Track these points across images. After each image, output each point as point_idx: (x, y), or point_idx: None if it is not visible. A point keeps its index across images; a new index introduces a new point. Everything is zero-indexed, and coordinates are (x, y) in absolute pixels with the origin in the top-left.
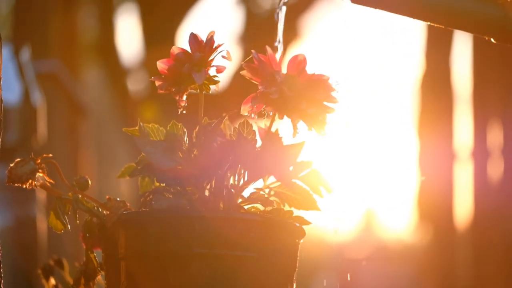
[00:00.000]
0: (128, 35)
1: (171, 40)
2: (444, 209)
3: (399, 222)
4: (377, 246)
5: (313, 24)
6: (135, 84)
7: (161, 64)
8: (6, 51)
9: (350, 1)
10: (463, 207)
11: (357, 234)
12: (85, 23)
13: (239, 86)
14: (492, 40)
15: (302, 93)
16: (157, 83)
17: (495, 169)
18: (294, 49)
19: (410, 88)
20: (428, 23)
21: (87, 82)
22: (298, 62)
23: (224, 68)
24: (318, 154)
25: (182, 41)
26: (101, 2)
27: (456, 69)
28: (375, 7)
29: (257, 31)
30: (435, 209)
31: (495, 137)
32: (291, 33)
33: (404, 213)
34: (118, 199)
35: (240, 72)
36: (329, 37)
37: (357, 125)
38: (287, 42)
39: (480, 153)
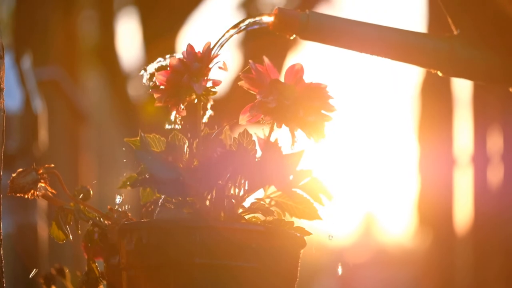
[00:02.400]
0: (129, 40)
1: (171, 45)
2: (444, 214)
3: (399, 226)
4: (377, 250)
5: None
6: (136, 90)
7: (159, 76)
8: (7, 59)
9: (299, 38)
10: (463, 212)
11: (357, 239)
12: (86, 30)
13: (239, 92)
14: (439, 73)
15: (299, 101)
16: (156, 95)
17: (495, 174)
18: (293, 55)
19: (410, 92)
20: (379, 57)
21: (88, 88)
22: (296, 71)
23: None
24: (318, 160)
25: (182, 46)
26: (102, 8)
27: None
28: (326, 43)
29: (257, 37)
30: (435, 214)
31: (495, 142)
32: (291, 39)
33: (404, 218)
34: (120, 209)
35: (238, 83)
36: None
37: (357, 130)
38: (286, 48)
39: (480, 158)
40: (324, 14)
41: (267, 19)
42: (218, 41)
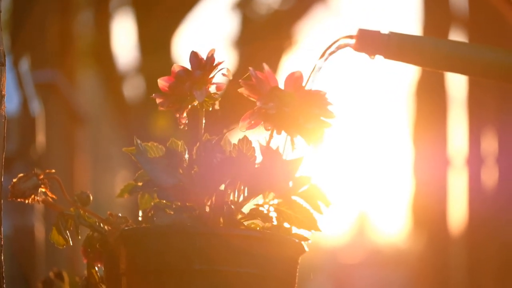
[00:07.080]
0: (126, 42)
1: (167, 46)
2: (438, 215)
3: (393, 227)
4: (371, 251)
5: (309, 30)
6: (133, 92)
7: (162, 82)
8: (6, 62)
9: (383, 57)
10: (457, 213)
11: (350, 239)
12: (83, 32)
13: (234, 95)
14: None
15: (299, 108)
16: (158, 100)
17: (490, 176)
18: (290, 56)
19: (404, 92)
20: (462, 75)
21: (85, 91)
22: (295, 79)
23: (225, 85)
24: (315, 163)
25: (178, 47)
26: (98, 10)
27: (451, 73)
28: (409, 62)
29: (253, 36)
30: (429, 215)
31: (490, 143)
32: (286, 39)
33: (398, 219)
34: (120, 214)
35: (238, 90)
36: (324, 43)
37: (352, 130)
38: (282, 49)
39: (475, 160)
40: (405, 34)
41: (350, 40)
42: (310, 75)
